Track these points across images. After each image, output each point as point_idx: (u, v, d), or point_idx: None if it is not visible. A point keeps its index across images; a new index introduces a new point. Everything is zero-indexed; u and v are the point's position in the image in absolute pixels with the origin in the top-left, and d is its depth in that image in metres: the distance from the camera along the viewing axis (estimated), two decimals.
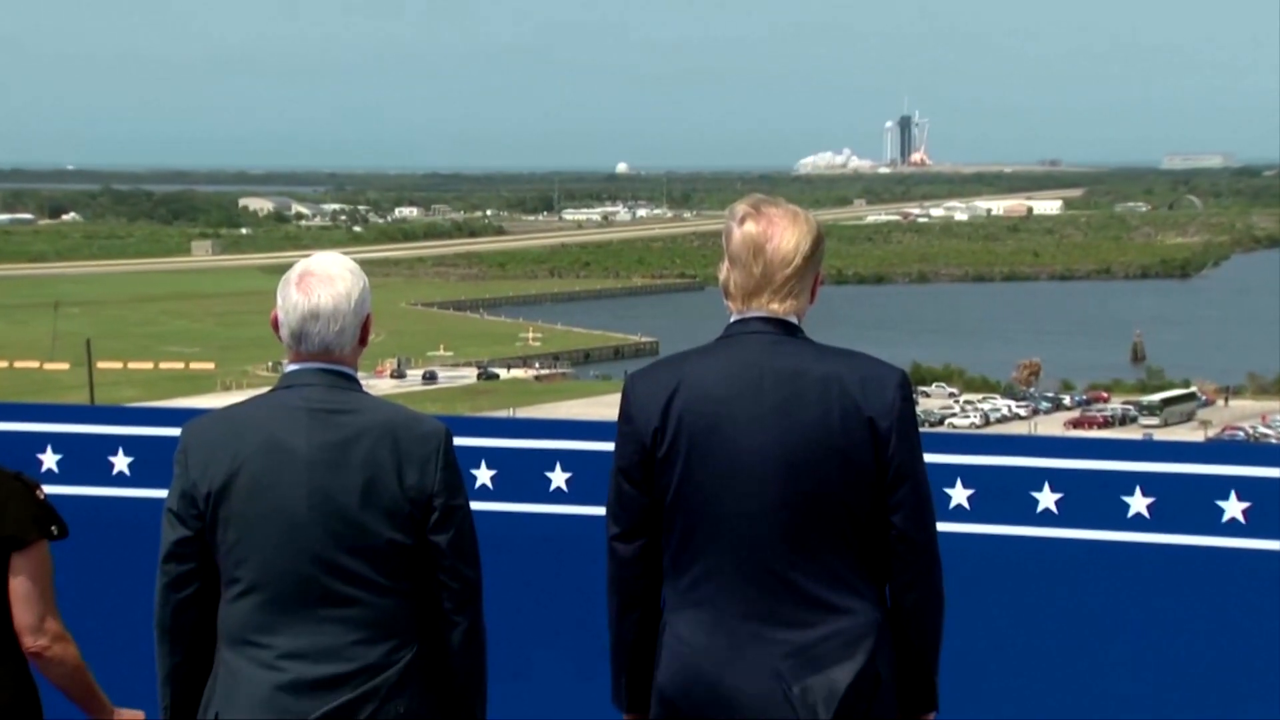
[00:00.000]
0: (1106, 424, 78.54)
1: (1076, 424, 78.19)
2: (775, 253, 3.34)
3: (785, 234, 3.35)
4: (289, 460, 3.31)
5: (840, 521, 3.28)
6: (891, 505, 3.30)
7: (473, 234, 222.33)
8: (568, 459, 4.96)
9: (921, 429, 3.39)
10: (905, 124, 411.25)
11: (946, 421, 77.68)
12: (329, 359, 3.40)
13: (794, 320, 3.37)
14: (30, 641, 3.65)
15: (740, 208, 3.40)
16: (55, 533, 3.71)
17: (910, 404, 3.34)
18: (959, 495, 4.75)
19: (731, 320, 3.40)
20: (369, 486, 3.31)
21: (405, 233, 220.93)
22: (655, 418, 3.32)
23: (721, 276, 3.41)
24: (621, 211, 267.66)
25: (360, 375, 3.51)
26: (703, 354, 3.39)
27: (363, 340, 3.45)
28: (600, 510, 3.44)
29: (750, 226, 3.36)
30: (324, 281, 3.39)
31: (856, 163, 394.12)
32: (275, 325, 3.43)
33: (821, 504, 3.27)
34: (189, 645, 3.40)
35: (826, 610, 3.27)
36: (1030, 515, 4.73)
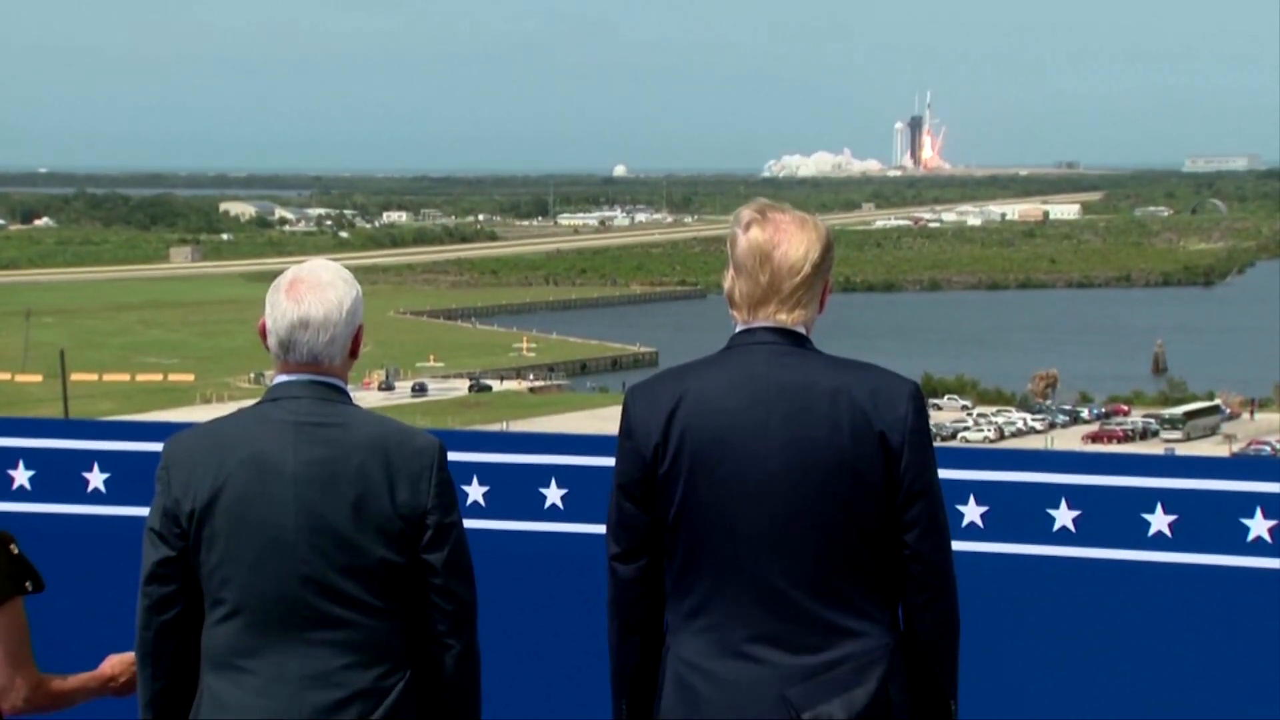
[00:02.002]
0: (1126, 438, 78.32)
1: (1095, 438, 77.93)
2: (783, 260, 3.28)
3: (793, 241, 3.29)
4: (276, 476, 3.25)
5: (851, 540, 3.21)
6: (905, 523, 3.23)
7: (464, 240, 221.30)
8: (564, 475, 4.90)
9: (934, 443, 3.31)
10: (916, 124, 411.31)
11: (959, 435, 77.55)
12: (318, 370, 3.34)
13: (802, 330, 3.31)
14: (3, 706, 3.53)
15: (746, 213, 3.34)
16: (30, 588, 3.57)
17: (923, 417, 3.27)
18: (972, 513, 4.70)
19: (736, 330, 3.34)
20: (359, 503, 3.25)
21: (393, 238, 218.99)
22: (657, 432, 3.25)
23: (726, 285, 3.35)
24: (619, 216, 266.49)
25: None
26: (706, 365, 3.33)
27: (354, 352, 3.39)
28: (598, 529, 3.38)
29: (756, 233, 3.29)
30: (315, 289, 3.33)
31: (856, 164, 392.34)
32: (263, 334, 3.38)
33: (831, 522, 3.20)
34: (173, 670, 3.33)
35: (837, 633, 3.20)
36: (1047, 534, 4.68)
